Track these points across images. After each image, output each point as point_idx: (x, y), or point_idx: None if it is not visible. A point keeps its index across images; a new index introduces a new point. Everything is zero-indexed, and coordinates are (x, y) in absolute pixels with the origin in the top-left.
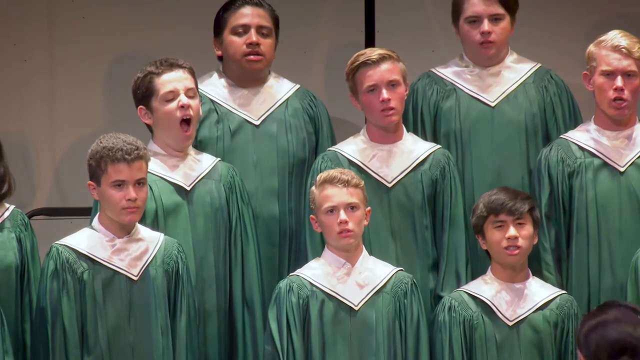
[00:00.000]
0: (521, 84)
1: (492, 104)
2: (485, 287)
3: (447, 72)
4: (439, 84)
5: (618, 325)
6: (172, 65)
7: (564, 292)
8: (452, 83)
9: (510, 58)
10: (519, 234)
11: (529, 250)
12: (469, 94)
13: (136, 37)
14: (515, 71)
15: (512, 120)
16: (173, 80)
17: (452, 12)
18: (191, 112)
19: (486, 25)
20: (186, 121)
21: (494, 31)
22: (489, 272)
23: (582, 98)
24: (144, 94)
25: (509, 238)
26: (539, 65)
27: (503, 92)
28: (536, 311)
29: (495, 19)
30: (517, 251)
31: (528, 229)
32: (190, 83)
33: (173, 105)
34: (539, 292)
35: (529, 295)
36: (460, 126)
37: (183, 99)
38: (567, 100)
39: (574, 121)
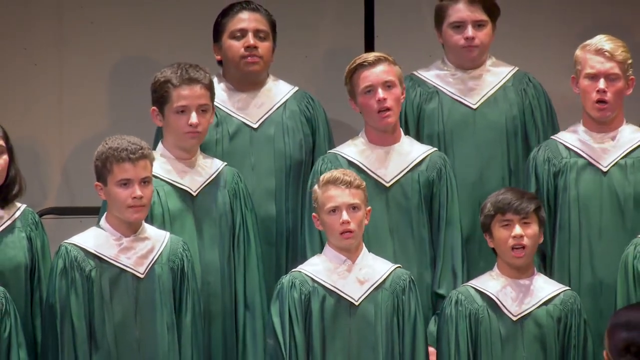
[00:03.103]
0: (501, 87)
1: (474, 107)
2: (492, 283)
3: (429, 75)
4: (422, 87)
5: (632, 326)
6: (190, 81)
7: (567, 288)
8: (434, 85)
9: (490, 62)
10: (524, 233)
11: (534, 249)
12: (451, 97)
13: (144, 42)
14: (495, 74)
15: (494, 123)
16: (188, 97)
17: (435, 17)
18: (199, 130)
19: (470, 30)
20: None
21: (478, 37)
22: (495, 268)
23: (571, 102)
24: (159, 99)
25: (514, 237)
26: (516, 68)
27: (484, 95)
28: (540, 306)
29: (478, 25)
30: (522, 253)
31: (533, 228)
32: (204, 100)
33: (183, 119)
34: (544, 288)
35: (534, 291)
36: (444, 128)
37: (193, 117)
38: (544, 102)
39: (552, 123)
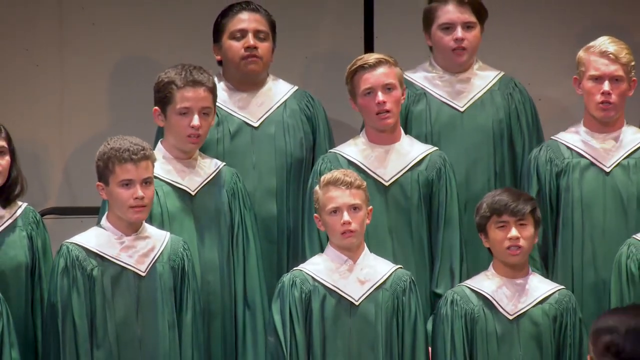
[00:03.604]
0: (488, 90)
1: (462, 109)
2: (487, 283)
3: (417, 77)
4: (410, 88)
5: (612, 329)
6: (194, 83)
7: (562, 287)
8: (422, 87)
9: (476, 65)
10: (520, 235)
11: (530, 249)
12: (439, 99)
13: (144, 43)
14: (482, 78)
15: (480, 125)
16: (191, 98)
17: (424, 20)
18: (200, 132)
19: (459, 32)
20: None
21: (467, 38)
22: (490, 268)
23: (569, 102)
24: (162, 99)
25: (510, 238)
26: (502, 73)
27: (471, 98)
28: (536, 305)
29: (467, 26)
30: (518, 251)
31: (529, 230)
32: (207, 102)
33: (185, 121)
34: (539, 287)
35: (529, 290)
36: (431, 129)
37: (195, 120)
38: (530, 107)
39: (536, 128)
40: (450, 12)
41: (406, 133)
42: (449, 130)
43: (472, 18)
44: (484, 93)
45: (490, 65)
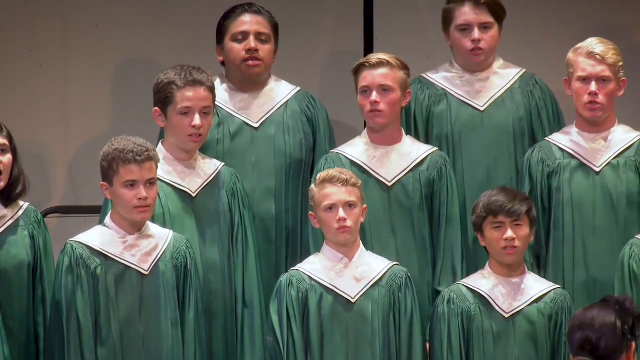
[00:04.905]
0: (508, 89)
1: (482, 109)
2: (483, 281)
3: (438, 78)
4: (431, 89)
5: (585, 326)
6: (194, 83)
7: (558, 286)
8: (442, 88)
9: (497, 64)
10: (515, 235)
11: (525, 248)
12: (459, 99)
13: (147, 44)
14: (502, 77)
15: (501, 124)
16: (192, 98)
17: (442, 20)
18: (201, 132)
19: (476, 33)
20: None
21: (484, 39)
22: (487, 267)
23: (570, 103)
24: (162, 100)
25: (506, 239)
26: (523, 70)
27: (491, 97)
28: (531, 304)
29: (484, 27)
30: (513, 251)
31: (525, 230)
32: (207, 102)
33: (186, 120)
34: (535, 286)
35: (525, 289)
36: (452, 129)
37: (196, 119)
38: (551, 103)
39: (558, 123)
40: (467, 14)
41: (427, 134)
42: (469, 129)
43: (488, 19)
44: (505, 92)
45: None
